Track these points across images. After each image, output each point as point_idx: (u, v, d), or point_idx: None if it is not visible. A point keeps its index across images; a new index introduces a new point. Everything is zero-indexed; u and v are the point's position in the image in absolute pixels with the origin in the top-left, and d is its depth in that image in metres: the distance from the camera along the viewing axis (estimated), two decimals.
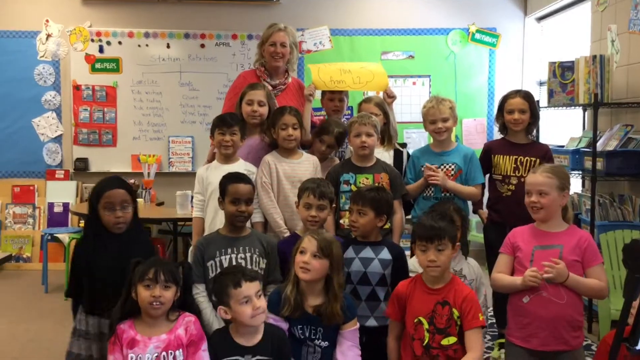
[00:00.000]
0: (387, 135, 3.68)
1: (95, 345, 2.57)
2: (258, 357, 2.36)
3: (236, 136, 3.25)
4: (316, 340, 2.54)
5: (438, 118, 3.41)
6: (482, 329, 2.46)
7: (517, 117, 3.48)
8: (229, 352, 2.35)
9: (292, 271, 2.55)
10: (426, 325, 2.45)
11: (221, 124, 3.26)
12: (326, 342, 2.54)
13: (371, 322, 2.77)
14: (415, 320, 2.47)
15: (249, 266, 2.77)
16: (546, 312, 2.55)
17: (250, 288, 2.34)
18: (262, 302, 2.37)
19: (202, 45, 6.13)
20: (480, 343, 2.42)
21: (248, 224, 3.05)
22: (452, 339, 2.42)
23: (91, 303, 2.58)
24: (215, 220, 3.15)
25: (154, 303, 2.27)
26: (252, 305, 2.32)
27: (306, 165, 3.36)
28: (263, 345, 2.38)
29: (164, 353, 2.28)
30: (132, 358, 2.27)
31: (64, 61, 6.07)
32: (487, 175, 3.61)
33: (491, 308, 3.52)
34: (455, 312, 2.43)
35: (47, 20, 6.01)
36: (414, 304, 2.50)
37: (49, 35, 6.03)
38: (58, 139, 6.09)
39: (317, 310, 2.52)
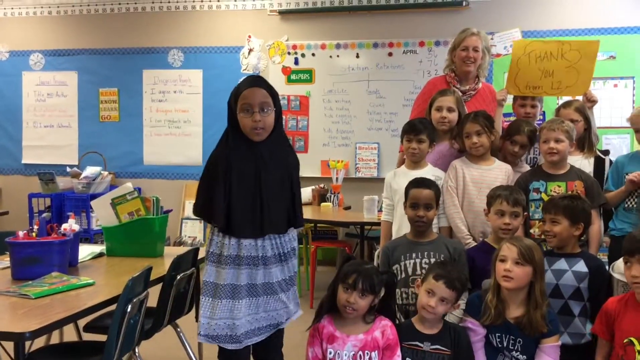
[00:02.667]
0: (587, 141, 3.47)
1: (234, 271, 2.41)
2: (436, 346, 2.43)
3: (424, 143, 3.26)
4: (514, 352, 2.48)
5: None
6: None
7: None
8: (410, 337, 2.46)
9: (493, 281, 2.52)
10: (638, 347, 2.27)
11: (409, 130, 3.31)
12: (524, 356, 2.47)
13: (564, 339, 2.62)
14: (625, 341, 2.31)
15: None
16: None
17: (440, 287, 2.44)
18: (430, 302, 2.43)
19: (390, 54, 6.25)
20: None
21: (435, 229, 3.07)
22: None
23: (227, 221, 2.38)
24: (402, 225, 3.19)
25: (347, 308, 2.37)
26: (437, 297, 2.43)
27: (497, 173, 3.26)
28: (442, 336, 2.46)
29: (360, 352, 2.37)
30: (330, 353, 2.38)
31: (264, 73, 6.47)
32: None
33: None
34: None
35: (249, 36, 6.53)
36: (625, 323, 2.33)
37: (250, 50, 6.55)
38: None
39: (519, 321, 2.46)
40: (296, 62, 6.45)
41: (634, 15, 5.68)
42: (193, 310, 3.22)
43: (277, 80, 6.44)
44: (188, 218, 6.55)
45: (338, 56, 6.36)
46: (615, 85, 5.67)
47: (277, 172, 2.47)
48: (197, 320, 3.06)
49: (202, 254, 3.05)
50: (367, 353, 2.37)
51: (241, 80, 2.50)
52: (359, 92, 6.33)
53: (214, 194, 2.39)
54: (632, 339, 2.28)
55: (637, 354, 2.26)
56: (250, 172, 2.41)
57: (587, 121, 3.48)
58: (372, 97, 6.32)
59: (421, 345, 2.45)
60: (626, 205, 3.19)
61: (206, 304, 2.44)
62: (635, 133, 3.23)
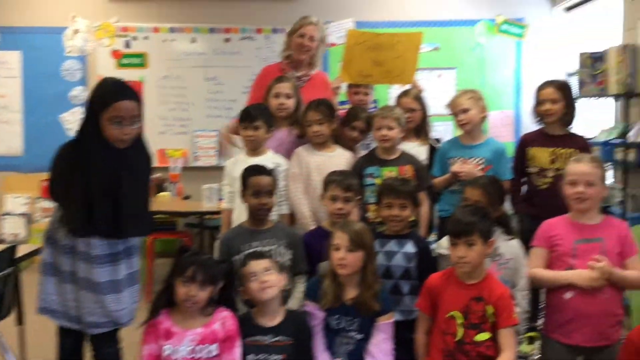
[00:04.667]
0: (423, 130, 3.65)
1: (64, 259, 2.47)
2: (279, 337, 2.42)
3: (260, 130, 3.24)
4: (351, 332, 2.55)
5: (458, 110, 3.38)
6: (515, 327, 2.43)
7: (547, 107, 3.38)
8: (251, 332, 2.42)
9: (329, 267, 2.56)
10: (460, 320, 2.41)
11: (244, 118, 3.27)
12: (361, 335, 2.55)
13: (396, 316, 2.71)
14: (448, 315, 2.43)
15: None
16: (590, 308, 2.50)
17: (256, 265, 2.45)
18: (271, 277, 2.43)
19: (227, 40, 6.14)
20: (513, 342, 2.39)
21: (274, 216, 3.06)
22: (486, 335, 2.38)
23: (74, 219, 2.39)
24: (242, 213, 3.15)
25: (187, 302, 2.29)
26: (259, 280, 2.41)
27: (339, 159, 3.33)
28: (283, 326, 2.45)
29: (199, 346, 2.30)
30: (168, 349, 2.29)
31: (91, 57, 6.12)
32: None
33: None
34: (489, 309, 2.39)
35: (73, 16, 6.07)
36: (447, 298, 2.45)
37: (76, 31, 6.09)
38: None
39: (355, 302, 2.53)
40: (127, 45, 6.11)
41: (457, 10, 6.10)
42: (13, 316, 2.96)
43: (106, 65, 6.09)
44: (8, 214, 5.97)
45: (173, 40, 6.13)
46: (440, 75, 6.07)
47: (136, 175, 2.50)
48: (20, 324, 3.00)
49: (23, 250, 2.98)
50: (206, 346, 2.31)
51: (105, 84, 2.42)
52: (197, 79, 6.16)
53: (73, 197, 2.38)
54: (453, 313, 2.42)
55: (458, 327, 2.41)
56: (111, 176, 2.40)
57: (424, 110, 3.66)
58: (210, 83, 6.18)
59: (263, 339, 2.42)
60: (451, 189, 3.40)
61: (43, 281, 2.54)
62: (453, 118, 3.44)
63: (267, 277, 2.43)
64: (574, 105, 3.45)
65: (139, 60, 6.12)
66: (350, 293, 2.55)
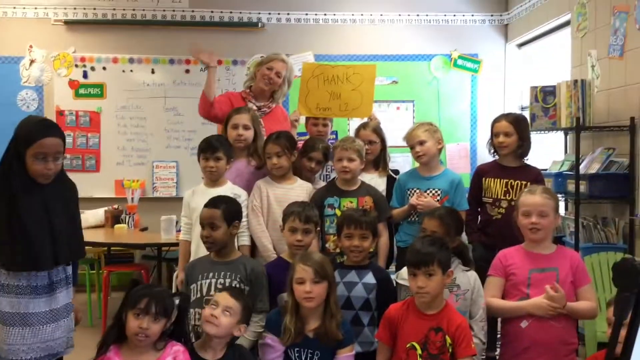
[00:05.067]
0: (382, 161, 3.70)
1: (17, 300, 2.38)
2: None
3: (221, 161, 3.24)
4: None
5: (415, 142, 3.44)
6: (473, 357, 2.44)
7: (501, 140, 3.48)
8: None
9: (290, 302, 2.53)
10: (419, 351, 2.41)
11: (206, 148, 3.26)
12: None
13: (356, 348, 2.69)
14: (408, 345, 2.43)
15: None
16: (546, 337, 2.55)
17: (222, 297, 2.44)
18: (223, 318, 2.38)
19: (187, 71, 6.14)
20: None
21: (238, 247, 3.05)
22: None
23: (12, 257, 2.34)
24: (200, 245, 3.11)
25: (140, 335, 2.22)
26: (211, 312, 2.38)
27: (299, 191, 3.35)
28: None
29: None
30: None
31: (48, 87, 6.04)
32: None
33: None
34: (448, 340, 2.40)
35: (30, 46, 5.99)
36: (407, 328, 2.46)
37: (32, 61, 6.00)
38: None
39: (316, 333, 2.51)
40: (85, 75, 6.05)
41: (414, 45, 6.24)
42: None
43: (64, 95, 6.02)
44: None
45: (132, 71, 6.10)
46: (398, 108, 6.18)
47: (63, 207, 2.49)
48: None
49: None
50: None
51: (29, 122, 2.44)
52: (156, 109, 6.13)
53: (7, 231, 2.35)
54: (414, 343, 2.42)
55: (418, 358, 2.41)
56: (39, 211, 2.39)
57: (383, 142, 3.71)
58: (169, 114, 6.15)
59: None
60: (410, 219, 3.44)
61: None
62: (410, 150, 3.50)
63: (218, 314, 2.38)
64: (528, 138, 3.54)
65: (97, 90, 6.07)
66: (312, 324, 2.54)
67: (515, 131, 3.47)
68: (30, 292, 2.39)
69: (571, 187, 4.18)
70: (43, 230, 2.38)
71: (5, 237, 2.35)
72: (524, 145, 3.51)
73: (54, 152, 2.37)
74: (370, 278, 2.80)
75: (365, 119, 3.96)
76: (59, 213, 2.45)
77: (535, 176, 3.50)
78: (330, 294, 2.54)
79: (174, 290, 3.40)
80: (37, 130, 2.37)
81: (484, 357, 3.04)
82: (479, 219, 3.61)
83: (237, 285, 2.77)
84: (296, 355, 2.53)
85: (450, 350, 2.40)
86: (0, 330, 2.39)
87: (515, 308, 2.60)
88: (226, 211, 2.82)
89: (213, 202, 2.87)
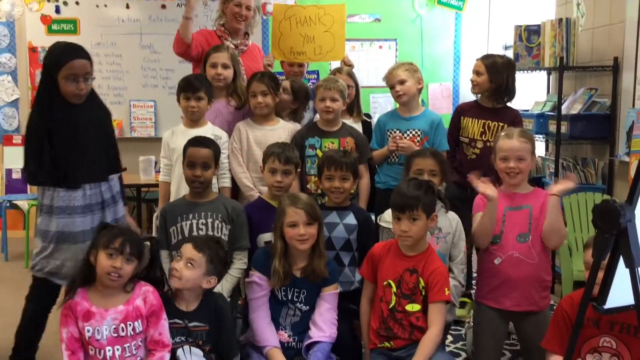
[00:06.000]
0: (356, 106, 3.66)
1: (64, 220, 2.56)
2: (194, 323, 2.38)
3: (202, 101, 3.18)
4: (298, 304, 2.56)
5: (394, 82, 3.40)
6: (447, 304, 2.47)
7: (472, 78, 3.53)
8: (170, 315, 2.36)
9: (279, 245, 2.53)
10: (394, 289, 2.46)
11: (186, 88, 3.18)
12: (307, 307, 2.56)
13: None
14: (385, 283, 2.48)
15: (209, 232, 2.75)
16: (518, 273, 2.61)
17: (186, 249, 2.41)
18: (185, 271, 2.35)
19: (163, 6, 5.93)
20: (442, 318, 2.43)
21: (215, 189, 3.02)
22: (416, 306, 2.44)
23: (58, 175, 2.54)
24: (181, 186, 3.10)
25: (112, 274, 2.20)
26: (175, 265, 2.37)
27: (280, 133, 3.31)
28: (199, 312, 2.39)
29: (122, 325, 2.22)
30: (89, 331, 2.20)
31: (19, 22, 5.81)
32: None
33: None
34: (422, 282, 2.43)
35: None
36: (385, 266, 2.50)
37: None
38: (14, 103, 5.87)
39: (303, 271, 2.54)
40: (57, 10, 5.81)
41: None
42: None
43: (36, 31, 5.79)
44: None
45: (106, 6, 5.87)
46: (380, 47, 6.06)
47: (94, 128, 2.67)
48: None
49: None
50: (130, 324, 2.23)
51: (57, 47, 2.61)
52: (132, 46, 5.93)
53: (41, 157, 2.54)
54: (390, 281, 2.47)
55: (393, 295, 2.45)
56: (71, 131, 2.57)
57: (357, 87, 3.66)
58: (145, 51, 5.97)
59: (180, 322, 2.37)
60: (390, 160, 3.42)
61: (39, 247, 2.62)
62: (390, 90, 3.46)
63: (180, 267, 2.35)
64: (502, 80, 3.48)
65: (70, 26, 5.84)
66: (300, 264, 2.56)
67: (486, 71, 3.46)
68: (78, 210, 2.57)
69: (552, 127, 4.17)
70: (76, 150, 2.56)
71: (38, 155, 2.53)
72: (498, 88, 3.48)
73: (84, 73, 2.54)
74: (351, 219, 2.81)
75: (338, 63, 3.90)
76: (91, 132, 2.63)
77: (512, 118, 3.50)
78: (320, 234, 2.56)
79: (154, 231, 3.40)
80: (65, 53, 2.54)
81: (463, 297, 3.11)
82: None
83: (219, 225, 2.76)
84: (282, 294, 2.56)
85: (423, 293, 2.43)
86: (52, 249, 2.56)
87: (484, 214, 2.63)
88: (216, 152, 2.84)
89: (203, 142, 2.83)
